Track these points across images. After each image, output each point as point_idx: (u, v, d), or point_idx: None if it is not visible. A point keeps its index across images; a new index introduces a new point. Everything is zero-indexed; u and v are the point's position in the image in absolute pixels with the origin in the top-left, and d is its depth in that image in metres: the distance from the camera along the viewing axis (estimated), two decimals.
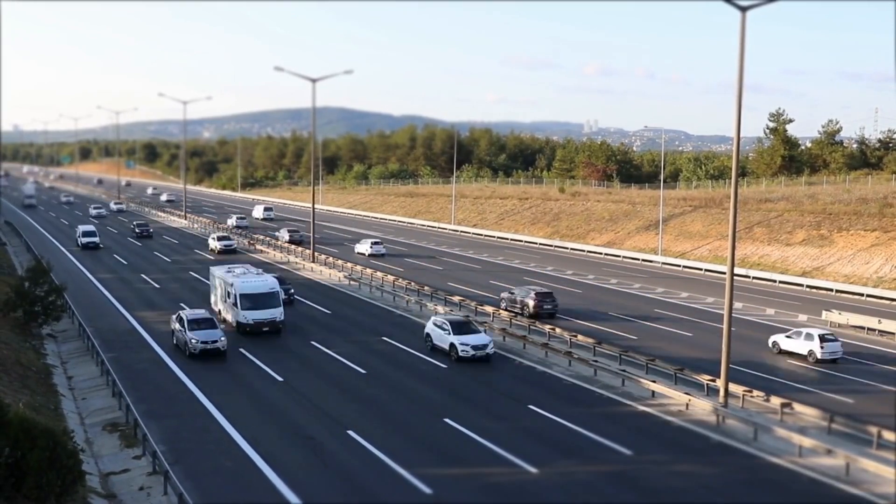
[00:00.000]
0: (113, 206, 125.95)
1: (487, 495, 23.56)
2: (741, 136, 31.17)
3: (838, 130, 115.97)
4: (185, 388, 33.99)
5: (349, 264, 67.31)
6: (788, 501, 23.54)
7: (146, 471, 25.20)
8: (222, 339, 38.35)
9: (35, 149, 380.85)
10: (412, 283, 58.08)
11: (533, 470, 25.24)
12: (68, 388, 34.86)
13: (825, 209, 77.34)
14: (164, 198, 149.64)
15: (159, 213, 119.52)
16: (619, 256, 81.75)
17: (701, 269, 72.67)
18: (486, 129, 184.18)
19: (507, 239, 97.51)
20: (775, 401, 31.04)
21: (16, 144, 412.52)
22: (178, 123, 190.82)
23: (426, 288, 56.54)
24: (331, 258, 71.37)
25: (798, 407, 30.43)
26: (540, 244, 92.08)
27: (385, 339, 43.01)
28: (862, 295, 59.63)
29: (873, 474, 24.62)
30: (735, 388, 32.09)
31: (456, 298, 52.95)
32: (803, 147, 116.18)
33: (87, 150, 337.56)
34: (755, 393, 32.20)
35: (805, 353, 40.20)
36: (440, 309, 49.34)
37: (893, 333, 45.53)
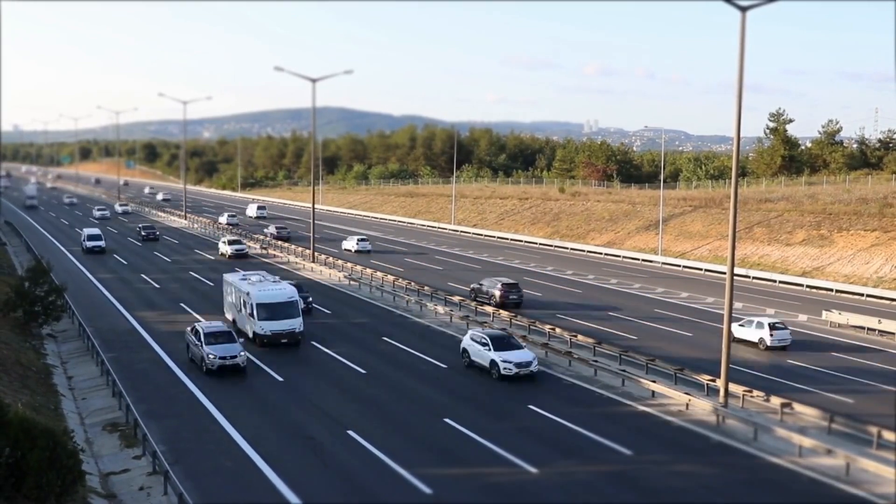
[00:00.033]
0: (118, 209, 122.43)
1: (487, 495, 23.56)
2: (741, 136, 31.17)
3: (838, 130, 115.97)
4: (185, 388, 34.01)
5: (349, 264, 67.33)
6: (788, 501, 23.54)
7: (146, 471, 25.20)
8: (242, 353, 35.63)
9: (35, 149, 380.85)
10: (412, 283, 58.08)
11: (533, 470, 25.24)
12: (68, 388, 34.87)
13: (825, 209, 77.34)
14: (159, 197, 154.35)
15: (159, 214, 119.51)
16: (619, 256, 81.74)
17: (701, 269, 72.66)
18: (486, 129, 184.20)
19: (507, 239, 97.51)
20: (775, 401, 31.04)
21: (16, 144, 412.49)
22: (178, 123, 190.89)
23: (426, 288, 56.55)
24: (331, 258, 71.42)
25: (798, 407, 30.43)
26: (540, 244, 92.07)
27: (385, 339, 43.00)
28: (862, 295, 59.62)
29: (873, 474, 24.62)
30: (735, 388, 32.09)
31: (456, 298, 52.95)
32: (803, 147, 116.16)
33: (87, 150, 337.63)
34: (755, 393, 32.20)
35: (756, 340, 42.69)
36: (440, 309, 49.35)
37: (893, 333, 45.53)
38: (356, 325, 46.45)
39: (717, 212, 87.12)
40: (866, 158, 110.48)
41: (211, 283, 59.72)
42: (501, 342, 36.24)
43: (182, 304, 51.54)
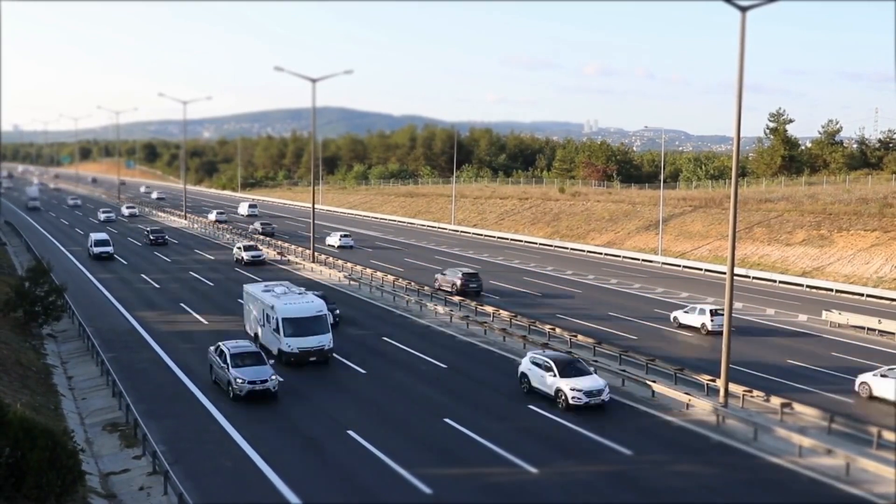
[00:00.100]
0: (125, 211, 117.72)
1: (487, 495, 23.56)
2: (741, 136, 31.17)
3: (838, 130, 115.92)
4: (185, 387, 34.02)
5: (349, 264, 67.34)
6: (788, 501, 23.54)
7: (146, 471, 25.20)
8: (272, 377, 31.97)
9: (35, 149, 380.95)
10: (412, 283, 58.09)
11: (533, 470, 25.24)
12: (68, 388, 34.85)
13: (825, 209, 77.34)
14: (154, 195, 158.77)
15: (159, 214, 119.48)
16: (619, 256, 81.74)
17: (701, 269, 72.66)
18: (486, 129, 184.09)
19: (507, 239, 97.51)
20: (775, 401, 31.05)
21: (16, 144, 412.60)
22: (178, 123, 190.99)
23: (426, 288, 56.55)
24: (330, 258, 71.44)
25: (798, 407, 30.44)
26: (540, 244, 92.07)
27: (385, 339, 42.98)
28: (862, 295, 59.62)
29: (873, 474, 24.62)
30: (735, 388, 32.09)
31: (456, 298, 52.94)
32: (803, 147, 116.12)
33: (87, 150, 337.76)
34: (755, 393, 32.21)
35: (698, 325, 45.72)
36: (440, 309, 49.34)
37: (893, 333, 45.53)
38: (356, 325, 46.41)
39: (717, 212, 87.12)
40: (866, 158, 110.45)
41: (211, 283, 59.76)
42: (568, 367, 32.25)
43: (182, 304, 51.54)
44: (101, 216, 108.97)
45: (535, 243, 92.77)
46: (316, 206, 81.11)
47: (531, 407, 31.47)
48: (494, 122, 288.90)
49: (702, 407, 30.92)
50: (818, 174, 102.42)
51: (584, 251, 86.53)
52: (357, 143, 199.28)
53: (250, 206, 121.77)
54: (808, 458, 26.22)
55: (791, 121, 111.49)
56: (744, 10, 29.40)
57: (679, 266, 75.26)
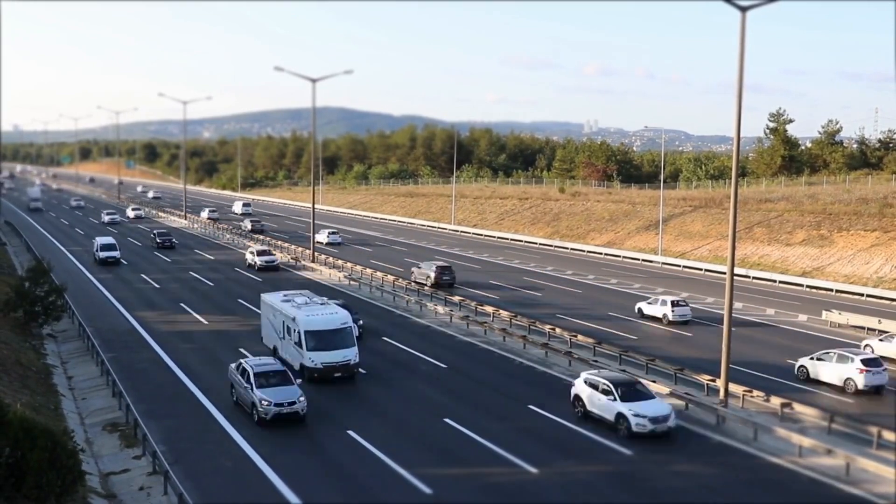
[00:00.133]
0: (130, 214, 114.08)
1: (487, 495, 23.57)
2: (741, 136, 31.17)
3: (838, 130, 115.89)
4: (185, 387, 34.02)
5: (349, 264, 67.34)
6: (788, 501, 23.54)
7: (146, 471, 25.21)
8: (301, 398, 29.15)
9: (35, 149, 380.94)
10: (412, 283, 58.07)
11: (533, 470, 25.24)
12: (68, 388, 34.86)
13: (825, 209, 77.33)
14: (150, 195, 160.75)
15: (159, 214, 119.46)
16: (619, 256, 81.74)
17: (701, 269, 72.65)
18: (486, 129, 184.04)
19: (507, 239, 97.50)
20: (775, 401, 31.05)
21: (16, 144, 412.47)
22: (178, 123, 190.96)
23: (426, 288, 56.52)
24: (330, 258, 71.44)
25: (798, 407, 30.45)
26: (540, 244, 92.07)
27: (385, 339, 42.97)
28: (862, 295, 59.60)
29: (873, 474, 24.63)
30: (735, 388, 32.10)
31: (456, 298, 52.95)
32: (803, 147, 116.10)
33: (87, 150, 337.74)
34: (755, 393, 32.22)
35: (660, 316, 48.35)
36: (440, 309, 49.35)
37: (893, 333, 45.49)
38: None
39: (717, 212, 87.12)
40: (866, 158, 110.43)
41: (211, 283, 59.77)
42: (629, 390, 29.29)
43: (182, 304, 51.54)
44: (105, 218, 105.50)
45: (535, 243, 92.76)
46: (316, 206, 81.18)
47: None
48: (494, 122, 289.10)
49: (702, 407, 30.90)
50: (818, 174, 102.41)
51: (584, 251, 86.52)
52: (357, 143, 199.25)
53: (244, 205, 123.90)
54: (808, 458, 26.22)
55: (791, 121, 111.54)
56: (744, 10, 29.41)
57: (679, 266, 75.25)
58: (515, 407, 31.69)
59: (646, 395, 29.30)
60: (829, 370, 35.19)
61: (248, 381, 29.91)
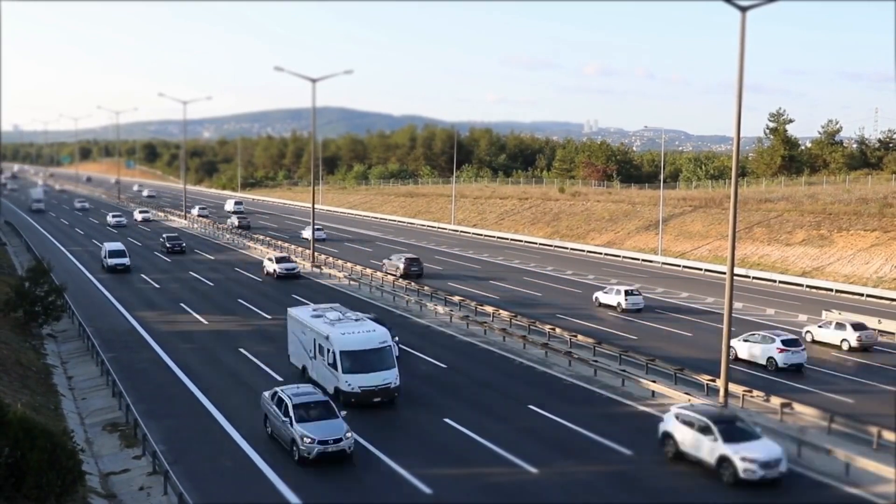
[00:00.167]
0: (138, 216, 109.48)
1: (487, 495, 23.57)
2: (741, 136, 31.17)
3: (838, 130, 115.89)
4: (185, 387, 34.01)
5: (349, 264, 67.34)
6: (789, 501, 23.53)
7: (146, 471, 25.21)
8: (348, 434, 25.65)
9: (35, 149, 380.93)
10: (412, 283, 58.10)
11: (533, 470, 25.25)
12: (68, 388, 34.86)
13: (825, 209, 77.33)
14: (144, 193, 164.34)
15: (159, 213, 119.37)
16: (619, 256, 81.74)
17: (701, 269, 72.66)
18: (486, 129, 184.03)
19: (507, 239, 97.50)
20: (775, 401, 31.05)
21: (16, 144, 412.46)
22: (178, 123, 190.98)
23: (426, 288, 56.56)
24: (330, 258, 71.41)
25: (798, 407, 30.45)
26: (540, 244, 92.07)
27: None
28: (862, 295, 59.62)
29: (873, 474, 24.62)
30: (735, 388, 32.10)
31: (456, 298, 52.96)
32: (803, 147, 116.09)
33: (87, 150, 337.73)
34: (755, 393, 32.22)
35: (615, 304, 51.92)
36: (440, 309, 49.34)
37: (893, 333, 45.54)
38: None
39: (717, 212, 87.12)
40: (866, 158, 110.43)
41: (211, 283, 59.77)
42: (731, 427, 25.54)
43: (182, 304, 51.55)
44: (111, 220, 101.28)
45: (535, 243, 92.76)
46: (316, 206, 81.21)
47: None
48: (494, 122, 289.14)
49: None
50: (818, 174, 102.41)
51: (584, 251, 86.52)
52: (357, 143, 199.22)
53: (236, 203, 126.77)
54: (808, 458, 26.20)
55: (791, 121, 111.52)
56: (744, 10, 29.40)
57: (679, 266, 75.26)
58: (515, 407, 31.68)
59: (751, 434, 25.42)
60: (755, 350, 38.60)
61: (286, 413, 26.30)
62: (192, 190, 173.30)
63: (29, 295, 44.29)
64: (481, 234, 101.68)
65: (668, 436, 26.74)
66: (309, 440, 25.13)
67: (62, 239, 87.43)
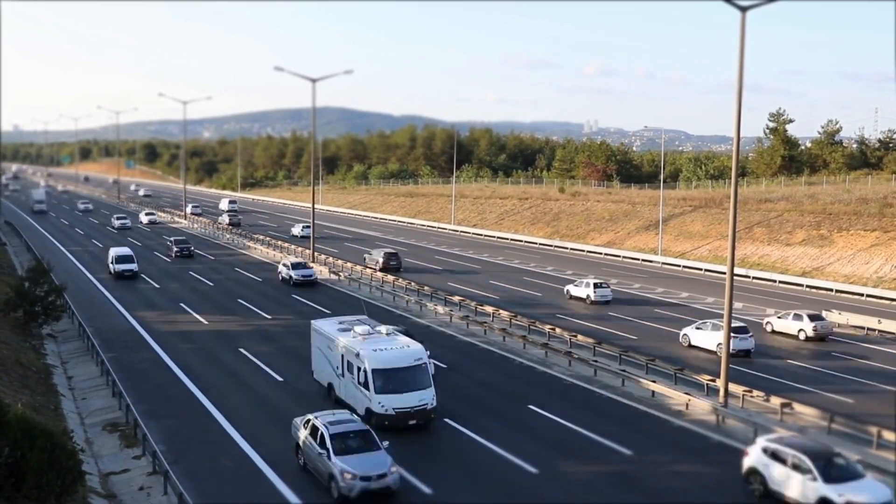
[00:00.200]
0: (144, 219, 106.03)
1: (488, 495, 23.56)
2: (741, 136, 31.17)
3: (838, 130, 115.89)
4: (185, 387, 34.00)
5: (349, 264, 67.35)
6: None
7: (146, 471, 25.21)
8: (393, 469, 23.06)
9: (35, 149, 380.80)
10: (412, 283, 58.09)
11: (533, 470, 25.24)
12: (68, 388, 34.86)
13: (825, 209, 77.33)
14: (141, 192, 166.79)
15: (159, 214, 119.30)
16: (619, 256, 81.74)
17: (701, 269, 72.66)
18: (486, 129, 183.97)
19: (507, 239, 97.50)
20: (775, 401, 31.05)
21: (16, 144, 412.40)
22: (178, 123, 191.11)
23: (426, 288, 56.55)
24: (330, 258, 71.42)
25: (798, 407, 30.45)
26: (540, 244, 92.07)
27: None
28: (862, 295, 59.63)
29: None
30: (735, 388, 32.09)
31: (456, 298, 52.95)
32: (803, 147, 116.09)
33: (87, 150, 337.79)
34: (755, 393, 32.22)
35: (584, 297, 54.95)
36: (440, 309, 49.32)
37: (893, 333, 45.54)
38: None
39: (717, 212, 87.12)
40: (866, 158, 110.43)
41: (211, 283, 59.76)
42: (831, 465, 22.65)
43: (182, 304, 51.55)
44: (116, 223, 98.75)
45: (535, 243, 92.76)
46: (316, 206, 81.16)
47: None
48: (494, 122, 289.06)
49: (702, 407, 30.93)
50: (818, 174, 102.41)
51: (584, 251, 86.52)
52: (357, 143, 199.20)
53: (230, 202, 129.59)
54: None
55: (791, 121, 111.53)
56: (744, 10, 29.40)
57: (679, 266, 75.26)
58: (515, 407, 31.68)
59: (853, 473, 22.61)
60: (706, 337, 41.23)
61: (321, 444, 23.68)
62: (192, 190, 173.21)
63: (29, 295, 44.29)
64: (481, 234, 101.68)
65: (754, 472, 23.80)
66: (350, 476, 22.44)
67: (62, 239, 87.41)
